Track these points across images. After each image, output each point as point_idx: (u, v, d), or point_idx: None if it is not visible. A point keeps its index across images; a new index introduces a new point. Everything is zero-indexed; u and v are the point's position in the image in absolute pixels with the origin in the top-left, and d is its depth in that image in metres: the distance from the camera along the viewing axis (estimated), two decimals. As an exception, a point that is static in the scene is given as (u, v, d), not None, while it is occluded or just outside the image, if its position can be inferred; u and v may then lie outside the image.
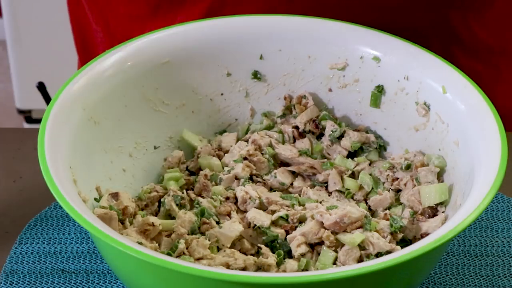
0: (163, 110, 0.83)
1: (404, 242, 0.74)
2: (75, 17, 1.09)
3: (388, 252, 0.70)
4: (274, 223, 0.74)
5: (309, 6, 0.90)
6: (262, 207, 0.76)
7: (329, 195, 0.79)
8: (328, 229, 0.72)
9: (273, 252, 0.72)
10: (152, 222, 0.72)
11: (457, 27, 0.96)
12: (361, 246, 0.71)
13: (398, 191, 0.79)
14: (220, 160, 0.83)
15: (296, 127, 0.84)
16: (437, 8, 0.94)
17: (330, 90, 0.85)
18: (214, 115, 0.86)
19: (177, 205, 0.76)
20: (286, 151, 0.82)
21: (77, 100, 0.75)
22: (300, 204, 0.77)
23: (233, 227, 0.73)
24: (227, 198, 0.77)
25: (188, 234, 0.73)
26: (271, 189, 0.80)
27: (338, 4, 0.90)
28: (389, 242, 0.71)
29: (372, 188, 0.79)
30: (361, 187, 0.80)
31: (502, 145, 0.69)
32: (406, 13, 0.92)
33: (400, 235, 0.73)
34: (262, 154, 0.82)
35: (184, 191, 0.78)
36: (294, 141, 0.84)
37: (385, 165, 0.80)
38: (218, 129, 0.87)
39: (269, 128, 0.86)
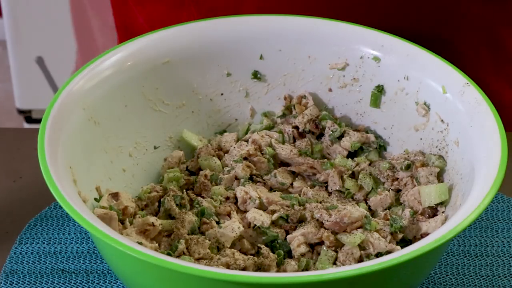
0: (163, 110, 0.83)
1: (404, 242, 0.74)
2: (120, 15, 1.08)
3: (388, 252, 0.70)
4: (274, 223, 0.74)
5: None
6: (262, 207, 0.76)
7: (329, 195, 0.79)
8: (328, 229, 0.72)
9: (273, 252, 0.72)
10: (152, 222, 0.72)
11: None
12: (361, 246, 0.71)
13: (398, 191, 0.79)
14: (220, 160, 0.83)
15: (296, 127, 0.84)
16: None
17: (330, 90, 0.85)
18: (214, 115, 0.86)
19: (177, 205, 0.76)
20: (286, 151, 0.82)
21: (77, 100, 0.75)
22: (300, 204, 0.76)
23: (233, 227, 0.73)
24: (227, 198, 0.77)
25: (188, 234, 0.73)
26: (271, 189, 0.80)
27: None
28: (389, 242, 0.71)
29: (372, 188, 0.79)
30: (361, 187, 0.80)
31: (502, 145, 0.69)
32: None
33: (400, 235, 0.73)
34: (262, 154, 0.82)
35: (184, 191, 0.78)
36: (294, 141, 0.84)
37: (385, 165, 0.80)
38: (218, 129, 0.87)
39: (269, 128, 0.86)
